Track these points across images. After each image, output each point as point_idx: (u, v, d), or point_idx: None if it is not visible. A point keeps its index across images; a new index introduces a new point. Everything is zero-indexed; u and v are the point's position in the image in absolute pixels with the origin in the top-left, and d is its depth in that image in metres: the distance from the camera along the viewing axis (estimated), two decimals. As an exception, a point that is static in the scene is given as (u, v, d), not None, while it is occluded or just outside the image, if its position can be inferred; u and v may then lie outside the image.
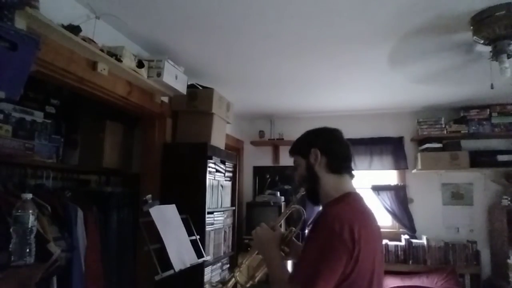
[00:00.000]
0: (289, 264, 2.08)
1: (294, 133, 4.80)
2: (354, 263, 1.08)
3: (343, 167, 1.30)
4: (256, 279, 1.40)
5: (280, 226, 1.50)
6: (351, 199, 1.24)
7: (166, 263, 2.06)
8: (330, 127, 1.36)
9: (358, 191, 1.31)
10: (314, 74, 2.97)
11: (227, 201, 3.15)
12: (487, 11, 1.90)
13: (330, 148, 1.29)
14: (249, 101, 3.82)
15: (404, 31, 2.17)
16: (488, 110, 3.74)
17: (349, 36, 2.25)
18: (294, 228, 1.44)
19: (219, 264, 2.93)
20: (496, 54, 2.05)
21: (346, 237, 1.06)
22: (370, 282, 1.14)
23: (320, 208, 1.32)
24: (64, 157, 2.61)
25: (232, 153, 3.31)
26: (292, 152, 1.39)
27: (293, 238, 1.46)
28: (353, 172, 1.34)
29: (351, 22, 2.06)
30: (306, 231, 3.71)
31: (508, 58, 2.04)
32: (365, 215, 1.22)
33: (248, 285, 1.39)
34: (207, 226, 2.63)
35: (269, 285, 1.22)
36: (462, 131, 3.80)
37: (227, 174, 3.11)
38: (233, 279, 1.37)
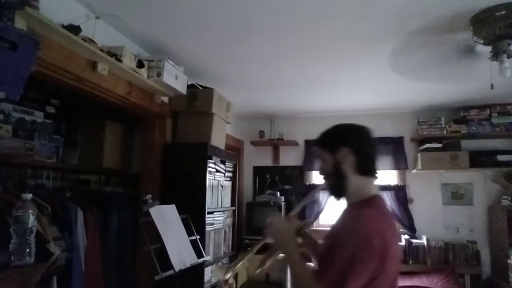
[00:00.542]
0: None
1: (294, 133, 4.82)
2: (382, 268, 1.09)
3: (371, 169, 1.28)
4: (266, 266, 1.41)
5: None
6: (379, 204, 1.24)
7: (166, 263, 2.06)
8: (360, 124, 1.32)
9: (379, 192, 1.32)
10: (314, 74, 2.97)
11: (227, 201, 3.15)
12: (487, 11, 1.90)
13: (360, 149, 1.26)
14: (249, 101, 3.82)
15: (404, 31, 2.18)
16: (488, 110, 3.74)
17: (349, 36, 2.25)
18: (309, 220, 1.44)
19: (219, 264, 2.93)
20: (496, 54, 2.05)
21: (377, 244, 1.07)
22: (392, 284, 1.16)
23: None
24: (64, 157, 2.61)
25: (232, 153, 3.31)
26: (318, 145, 1.35)
27: (306, 230, 1.47)
28: (377, 174, 1.32)
29: (351, 22, 2.07)
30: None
31: (508, 58, 2.04)
32: (391, 221, 1.23)
33: (258, 271, 1.41)
34: (207, 226, 2.64)
35: (269, 285, 1.22)
36: (462, 131, 3.80)
37: (227, 174, 3.11)
38: (242, 263, 1.37)
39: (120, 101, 2.28)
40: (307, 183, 4.38)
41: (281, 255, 1.34)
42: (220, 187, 2.96)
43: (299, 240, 1.42)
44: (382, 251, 1.08)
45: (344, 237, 1.13)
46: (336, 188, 1.30)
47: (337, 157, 1.27)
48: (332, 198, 1.35)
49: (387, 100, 3.79)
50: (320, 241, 1.45)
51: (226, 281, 1.32)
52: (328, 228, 1.40)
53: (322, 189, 1.37)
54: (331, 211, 4.08)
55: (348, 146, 1.25)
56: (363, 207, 1.20)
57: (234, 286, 1.37)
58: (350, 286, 1.06)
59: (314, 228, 4.17)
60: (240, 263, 1.37)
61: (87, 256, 2.19)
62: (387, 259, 1.09)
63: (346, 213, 1.29)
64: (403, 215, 4.00)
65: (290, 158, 4.50)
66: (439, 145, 3.83)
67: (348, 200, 1.30)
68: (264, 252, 1.44)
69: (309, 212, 4.10)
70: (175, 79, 2.42)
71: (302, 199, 1.54)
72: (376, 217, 1.16)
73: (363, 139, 1.29)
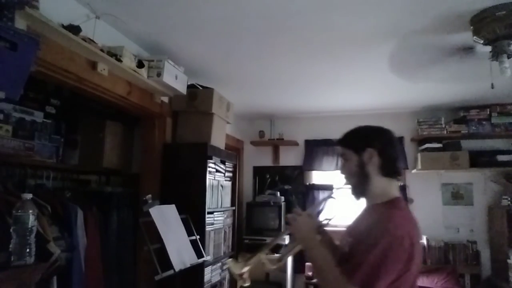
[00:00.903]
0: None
1: (294, 133, 4.81)
2: (408, 267, 1.13)
3: (394, 171, 1.31)
4: (283, 262, 1.43)
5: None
6: (403, 205, 1.28)
7: (166, 263, 2.06)
8: (385, 127, 1.36)
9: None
10: (314, 74, 2.97)
11: (227, 201, 3.15)
12: (487, 11, 1.90)
13: (386, 151, 1.30)
14: (249, 101, 3.82)
15: (404, 31, 2.18)
16: (488, 110, 3.74)
17: (349, 36, 2.25)
18: (329, 219, 1.46)
19: (219, 264, 2.93)
20: (496, 54, 2.05)
21: (406, 245, 1.12)
22: (414, 282, 1.20)
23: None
24: (64, 157, 2.61)
25: (232, 153, 3.31)
26: (343, 144, 1.37)
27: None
28: (400, 177, 1.36)
29: (351, 22, 2.07)
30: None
31: (508, 58, 2.04)
32: (415, 222, 1.26)
33: (275, 266, 1.42)
34: (207, 226, 2.64)
35: (269, 285, 1.23)
36: (462, 131, 3.80)
37: (227, 174, 3.11)
38: (257, 257, 1.38)
39: (120, 101, 2.28)
40: (307, 183, 4.38)
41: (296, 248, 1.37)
42: (220, 187, 2.96)
43: (319, 237, 1.42)
44: (410, 251, 1.12)
45: (374, 237, 1.14)
46: (359, 188, 1.33)
47: (362, 157, 1.30)
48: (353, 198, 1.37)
49: (387, 100, 3.79)
50: (337, 240, 1.47)
51: (241, 275, 1.34)
52: (339, 229, 1.44)
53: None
54: (330, 211, 4.08)
55: (373, 147, 1.28)
56: (389, 208, 1.24)
57: (249, 282, 1.37)
58: (380, 284, 1.09)
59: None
60: (256, 258, 1.39)
61: (87, 256, 2.19)
62: (413, 258, 1.13)
63: (370, 213, 1.31)
64: (403, 215, 3.99)
65: (290, 158, 4.50)
66: (439, 145, 3.83)
67: (369, 200, 1.33)
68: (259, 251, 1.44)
69: (310, 210, 4.09)
70: (175, 79, 2.42)
71: (302, 203, 1.57)
72: (404, 219, 1.21)
73: (388, 142, 1.32)
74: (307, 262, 3.74)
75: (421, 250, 1.23)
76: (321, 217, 1.45)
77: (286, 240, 3.91)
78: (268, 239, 1.48)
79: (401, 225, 1.16)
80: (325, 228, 1.46)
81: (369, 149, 1.28)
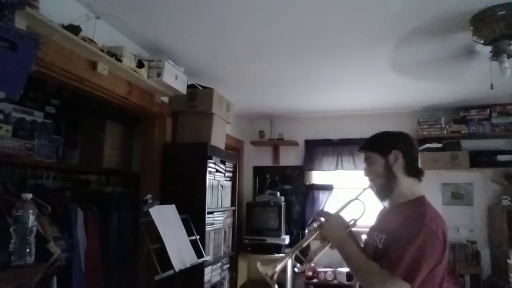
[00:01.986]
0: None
1: (294, 133, 4.81)
2: (442, 257, 1.24)
3: (418, 171, 1.42)
4: (313, 261, 1.48)
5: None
6: (429, 203, 1.37)
7: (166, 263, 2.06)
8: (405, 132, 1.47)
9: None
10: (314, 74, 2.97)
11: (227, 201, 3.15)
12: (487, 11, 1.90)
13: (409, 153, 1.41)
14: (249, 101, 3.82)
15: (404, 31, 2.18)
16: (488, 110, 3.74)
17: (349, 36, 2.25)
18: (356, 219, 1.51)
19: (219, 264, 2.93)
20: (496, 54, 2.05)
21: (440, 237, 1.23)
22: (445, 272, 1.30)
23: (386, 205, 1.46)
24: (64, 157, 2.61)
25: (232, 153, 3.31)
26: (368, 149, 1.46)
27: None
28: (422, 178, 1.46)
29: (351, 22, 2.06)
30: (306, 230, 3.72)
31: (508, 58, 2.04)
32: (443, 218, 1.34)
33: (304, 267, 1.47)
34: (207, 226, 2.64)
35: (269, 285, 1.24)
36: (462, 131, 3.79)
37: (227, 174, 3.11)
38: (288, 259, 1.42)
39: (120, 101, 2.28)
40: (307, 183, 4.38)
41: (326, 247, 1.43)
42: (220, 187, 2.96)
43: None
44: (444, 242, 1.24)
45: (412, 231, 1.23)
46: (386, 188, 1.41)
47: (388, 159, 1.40)
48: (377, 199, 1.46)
49: (387, 100, 3.79)
50: (363, 239, 1.55)
51: (271, 276, 1.38)
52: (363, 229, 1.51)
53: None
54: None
55: (399, 149, 1.39)
56: (420, 205, 1.33)
57: (276, 286, 1.41)
58: (421, 274, 1.18)
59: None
60: (286, 259, 1.42)
61: (87, 256, 2.19)
62: (446, 248, 1.25)
63: (398, 211, 1.37)
64: (403, 215, 3.99)
65: (290, 158, 4.50)
66: (439, 145, 3.83)
67: (394, 200, 1.41)
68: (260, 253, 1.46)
69: (309, 212, 4.10)
70: (175, 79, 2.42)
71: (302, 203, 1.60)
72: (436, 214, 1.31)
73: (410, 144, 1.44)
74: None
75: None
76: (347, 218, 1.50)
77: (286, 240, 3.92)
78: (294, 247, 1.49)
79: (435, 220, 1.26)
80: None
81: (394, 151, 1.39)
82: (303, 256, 1.46)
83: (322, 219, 1.44)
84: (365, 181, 1.49)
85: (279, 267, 1.37)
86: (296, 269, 1.46)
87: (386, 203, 1.48)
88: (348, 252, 1.36)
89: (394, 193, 1.40)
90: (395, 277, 1.18)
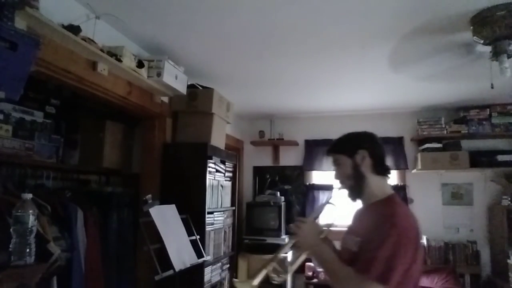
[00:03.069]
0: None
1: (294, 133, 4.80)
2: (416, 257, 1.21)
3: (385, 169, 1.41)
4: (291, 272, 1.46)
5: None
6: (400, 201, 1.37)
7: (166, 263, 2.06)
8: (369, 131, 1.47)
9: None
10: (314, 74, 2.97)
11: (227, 201, 3.15)
12: (487, 11, 1.90)
13: (375, 151, 1.40)
14: (249, 101, 3.82)
15: (404, 31, 2.17)
16: (488, 110, 3.74)
17: (349, 36, 2.25)
18: (330, 224, 1.51)
19: (219, 264, 2.94)
20: (496, 54, 2.05)
21: (412, 236, 1.21)
22: (420, 272, 1.27)
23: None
24: (64, 157, 2.61)
25: (232, 153, 3.31)
26: (335, 151, 1.46)
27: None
28: (389, 176, 1.43)
29: (351, 22, 2.06)
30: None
31: (508, 58, 2.04)
32: (415, 216, 1.33)
33: (282, 279, 1.43)
34: (207, 226, 2.64)
35: (269, 285, 1.23)
36: (462, 131, 3.80)
37: (227, 174, 3.11)
38: (264, 270, 1.38)
39: (120, 101, 2.28)
40: (307, 183, 4.38)
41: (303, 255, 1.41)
42: (220, 187, 2.96)
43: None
44: (416, 241, 1.23)
45: (384, 233, 1.20)
46: (356, 189, 1.40)
47: (355, 159, 1.38)
48: (348, 200, 1.44)
49: (387, 100, 3.79)
50: (337, 243, 1.51)
51: None
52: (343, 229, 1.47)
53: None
54: (330, 211, 4.08)
55: (364, 149, 1.38)
56: (390, 204, 1.32)
57: None
58: (396, 275, 1.15)
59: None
60: (262, 273, 1.36)
61: (87, 256, 2.19)
62: (419, 248, 1.23)
63: (370, 212, 1.37)
64: (403, 215, 3.99)
65: (290, 158, 4.50)
66: (439, 145, 3.83)
67: (366, 200, 1.40)
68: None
69: (309, 212, 4.10)
70: (175, 79, 2.42)
71: (302, 203, 1.59)
72: (407, 213, 1.31)
73: (376, 142, 1.43)
74: (312, 263, 3.75)
75: (421, 243, 1.29)
76: (321, 223, 1.49)
77: (286, 240, 3.92)
78: (269, 256, 1.45)
79: (405, 218, 1.25)
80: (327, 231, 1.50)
81: (360, 150, 1.38)
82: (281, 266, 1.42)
83: (296, 227, 1.40)
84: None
85: (256, 281, 1.32)
86: (274, 282, 1.40)
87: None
88: (323, 258, 1.34)
89: (365, 193, 1.38)
90: (369, 280, 1.15)
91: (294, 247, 1.43)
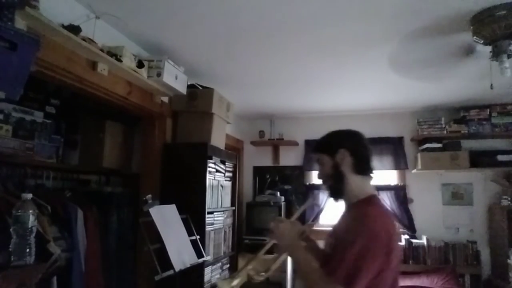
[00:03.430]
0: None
1: (294, 133, 4.81)
2: (388, 260, 1.17)
3: (367, 169, 1.37)
4: (271, 272, 1.43)
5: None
6: (379, 202, 1.34)
7: (166, 263, 2.06)
8: (354, 129, 1.44)
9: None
10: (314, 74, 2.97)
11: (227, 201, 3.15)
12: (487, 11, 1.90)
13: (357, 150, 1.37)
14: (249, 101, 3.82)
15: (404, 31, 2.17)
16: (488, 110, 3.74)
17: (349, 36, 2.25)
18: (311, 224, 1.49)
19: (219, 264, 2.93)
20: (496, 54, 2.04)
21: (383, 238, 1.16)
22: (395, 278, 1.24)
23: (344, 206, 1.40)
24: (64, 157, 2.61)
25: (232, 153, 3.31)
26: (317, 150, 1.44)
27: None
28: (373, 175, 1.40)
29: (351, 22, 2.06)
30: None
31: (508, 58, 2.04)
32: (392, 218, 1.32)
33: (262, 278, 1.42)
34: (207, 226, 2.64)
35: (268, 285, 1.22)
36: (462, 131, 3.79)
37: (227, 174, 3.11)
38: (244, 271, 1.39)
39: (120, 101, 2.28)
40: (307, 183, 4.38)
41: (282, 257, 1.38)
42: (220, 187, 2.96)
43: (303, 243, 1.46)
44: (388, 246, 1.17)
45: (353, 234, 1.18)
46: (336, 188, 1.38)
47: (336, 158, 1.36)
48: (331, 199, 1.42)
49: (387, 100, 3.79)
50: (320, 243, 1.50)
51: None
52: (329, 229, 1.45)
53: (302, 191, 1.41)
54: (331, 211, 4.08)
55: (345, 148, 1.36)
56: (365, 205, 1.29)
57: None
58: (362, 279, 1.12)
59: (314, 228, 4.17)
60: (244, 270, 1.38)
61: (87, 256, 2.19)
62: (392, 253, 1.18)
63: (348, 212, 1.36)
64: (403, 215, 4.00)
65: (290, 158, 4.50)
66: (439, 145, 3.83)
67: (347, 200, 1.38)
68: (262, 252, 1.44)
69: (309, 212, 4.09)
70: (175, 79, 2.42)
71: (302, 203, 1.57)
72: (380, 214, 1.25)
73: (358, 141, 1.40)
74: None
75: (399, 246, 1.26)
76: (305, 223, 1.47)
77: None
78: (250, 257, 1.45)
79: (377, 220, 1.20)
80: (313, 229, 1.49)
81: (341, 149, 1.35)
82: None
83: (273, 226, 1.38)
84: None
85: (235, 282, 1.32)
86: (254, 281, 1.41)
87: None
88: (296, 258, 1.31)
89: (345, 193, 1.36)
90: (335, 283, 1.13)
91: (274, 247, 1.42)
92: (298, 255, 1.31)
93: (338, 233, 1.31)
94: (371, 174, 1.39)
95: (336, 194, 1.39)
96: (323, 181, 1.42)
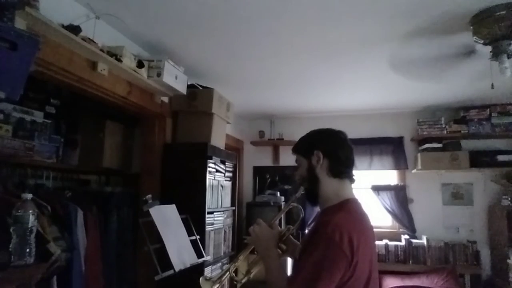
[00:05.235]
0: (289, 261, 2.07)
1: (294, 133, 4.81)
2: (352, 270, 1.10)
3: (344, 171, 1.28)
4: (252, 275, 1.41)
5: (280, 223, 1.50)
6: (351, 207, 1.24)
7: (166, 263, 2.06)
8: (334, 129, 1.35)
9: (356, 195, 1.32)
10: (314, 74, 2.96)
11: (227, 201, 3.15)
12: (487, 11, 1.90)
13: (333, 151, 1.28)
14: (249, 101, 3.82)
15: (404, 32, 2.17)
16: (488, 110, 3.74)
17: (349, 36, 2.25)
18: (291, 226, 1.45)
19: (219, 264, 2.93)
20: (496, 54, 2.05)
21: (345, 247, 1.08)
22: (367, 285, 1.16)
23: (319, 209, 1.33)
24: (64, 157, 2.61)
25: (232, 153, 3.31)
26: (294, 151, 1.39)
27: (290, 236, 1.47)
28: (354, 177, 1.32)
29: (351, 22, 2.06)
30: (306, 230, 3.72)
31: (508, 58, 2.04)
32: (363, 223, 1.23)
33: (243, 280, 1.39)
34: (207, 226, 2.63)
35: (264, 285, 1.22)
36: (462, 131, 3.79)
37: (227, 174, 3.11)
38: (228, 273, 1.35)
39: (120, 101, 2.28)
40: (307, 183, 4.37)
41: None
42: (220, 187, 2.96)
43: (283, 246, 1.42)
44: (351, 255, 1.09)
45: (314, 242, 1.13)
46: (311, 192, 1.31)
47: (311, 160, 1.29)
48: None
49: (387, 100, 3.79)
50: None
51: None
52: None
53: (301, 194, 1.36)
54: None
55: (319, 149, 1.28)
56: (332, 212, 1.20)
57: None
58: None
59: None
60: (227, 273, 1.35)
61: (87, 256, 2.19)
62: (357, 262, 1.10)
63: (319, 218, 1.28)
64: (403, 215, 4.00)
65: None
66: (439, 145, 3.83)
67: (321, 205, 1.30)
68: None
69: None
70: (175, 79, 2.42)
71: (284, 207, 1.54)
72: (344, 221, 1.15)
73: (335, 142, 1.31)
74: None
75: (369, 253, 1.18)
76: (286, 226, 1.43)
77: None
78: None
79: (340, 228, 1.10)
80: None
81: (315, 151, 1.28)
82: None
83: (250, 229, 1.34)
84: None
85: (217, 285, 1.30)
86: (236, 283, 1.38)
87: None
88: (267, 267, 1.26)
89: (320, 197, 1.28)
90: None
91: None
92: (268, 263, 1.26)
93: (305, 240, 1.26)
94: (352, 177, 1.30)
95: (311, 198, 1.32)
96: (299, 184, 1.35)
